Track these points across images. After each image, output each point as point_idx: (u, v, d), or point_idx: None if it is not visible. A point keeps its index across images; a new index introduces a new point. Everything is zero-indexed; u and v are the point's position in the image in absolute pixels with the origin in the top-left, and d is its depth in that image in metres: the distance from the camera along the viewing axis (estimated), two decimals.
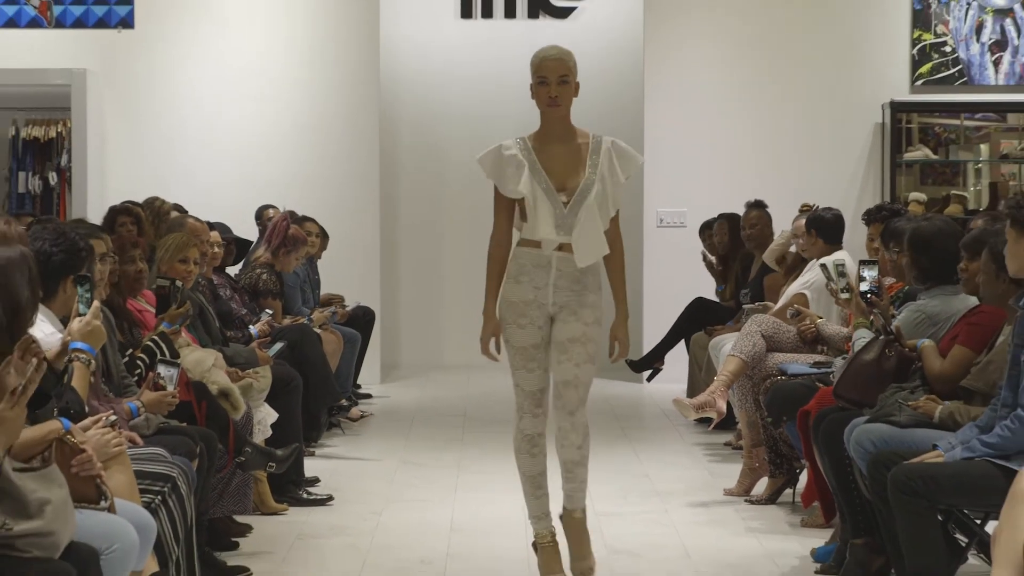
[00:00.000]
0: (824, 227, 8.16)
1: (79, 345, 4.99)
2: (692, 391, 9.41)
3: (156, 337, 6.20)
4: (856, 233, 9.13)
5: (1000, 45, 12.00)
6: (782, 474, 7.45)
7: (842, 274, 6.77)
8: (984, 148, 12.35)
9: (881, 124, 11.99)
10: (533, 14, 13.13)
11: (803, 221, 8.54)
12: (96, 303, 5.14)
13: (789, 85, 12.08)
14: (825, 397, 6.34)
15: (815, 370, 7.23)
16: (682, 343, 10.35)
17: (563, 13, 13.15)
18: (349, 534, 6.86)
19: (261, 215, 10.67)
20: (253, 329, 8.30)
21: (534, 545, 5.81)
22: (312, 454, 8.67)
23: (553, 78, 5.58)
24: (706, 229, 10.77)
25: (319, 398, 8.67)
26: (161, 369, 5.86)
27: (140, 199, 8.83)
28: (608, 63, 12.47)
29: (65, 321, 5.11)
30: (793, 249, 8.90)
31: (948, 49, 12.00)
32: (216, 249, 8.41)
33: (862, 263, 6.75)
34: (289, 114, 12.16)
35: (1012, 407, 4.97)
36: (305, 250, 9.65)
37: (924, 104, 12.08)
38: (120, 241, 6.56)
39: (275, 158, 12.12)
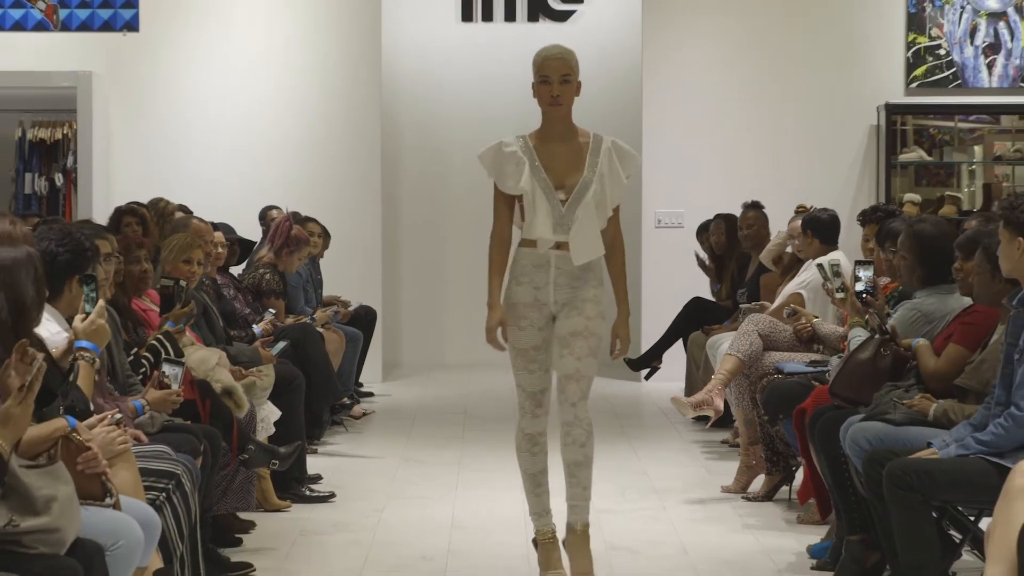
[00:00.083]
0: (820, 228, 8.16)
1: (83, 344, 4.99)
2: (690, 390, 9.41)
3: (161, 336, 6.20)
4: (851, 234, 9.13)
5: (993, 48, 12.00)
6: (778, 471, 7.45)
7: (837, 274, 6.78)
8: (978, 150, 12.35)
9: (876, 126, 12.00)
10: (533, 17, 13.14)
11: (799, 222, 8.54)
12: (101, 302, 5.14)
13: (785, 87, 12.08)
14: (821, 395, 6.34)
15: (811, 369, 7.23)
16: (680, 342, 10.35)
17: (562, 16, 13.15)
18: (351, 531, 6.86)
19: (265, 216, 10.67)
20: (256, 328, 8.30)
21: (534, 541, 5.81)
22: (314, 452, 8.67)
23: (555, 77, 5.57)
24: (703, 231, 10.77)
25: (321, 396, 8.67)
26: (166, 368, 5.86)
27: (145, 200, 8.83)
28: (607, 65, 12.47)
29: (71, 320, 5.11)
30: (789, 250, 8.90)
31: (942, 52, 12.00)
32: (220, 249, 8.41)
33: (857, 263, 6.75)
34: (292, 116, 12.17)
35: (1005, 405, 4.97)
36: (308, 250, 9.65)
37: (919, 106, 12.08)
38: (125, 241, 6.56)
39: (278, 159, 12.12)
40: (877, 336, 6.05)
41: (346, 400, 9.76)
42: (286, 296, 9.25)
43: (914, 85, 12.01)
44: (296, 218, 9.73)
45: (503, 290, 5.68)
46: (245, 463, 6.42)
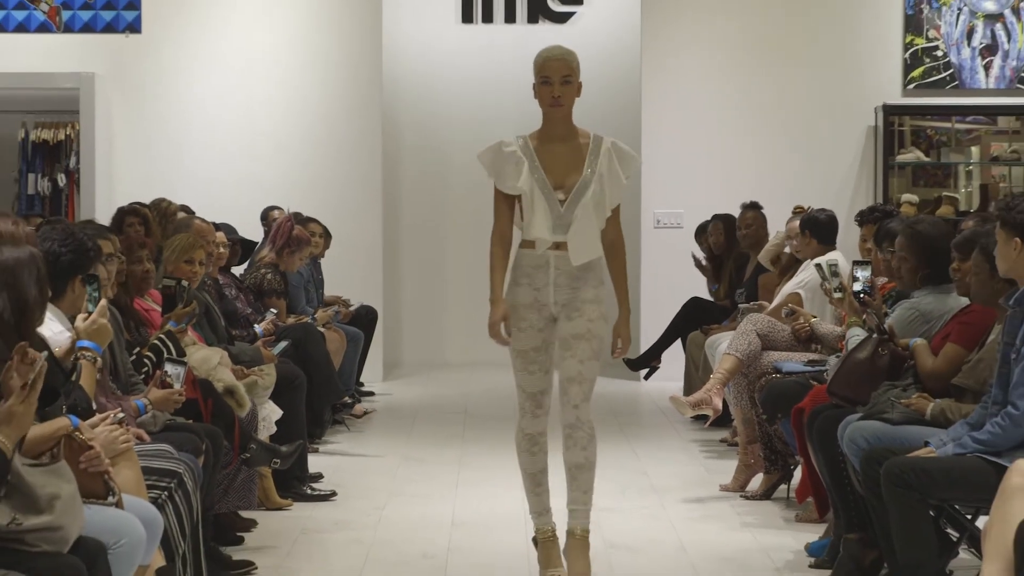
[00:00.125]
0: (818, 228, 8.16)
1: (85, 343, 4.99)
2: (688, 389, 9.41)
3: (163, 336, 6.20)
4: (849, 234, 9.13)
5: (990, 49, 12.00)
6: (777, 470, 7.45)
7: (835, 274, 6.77)
8: (975, 150, 12.35)
9: (874, 127, 11.99)
10: (533, 19, 13.14)
11: (796, 223, 8.54)
12: (103, 302, 5.14)
13: (783, 89, 12.08)
14: (819, 395, 6.34)
15: (809, 368, 7.23)
16: (679, 342, 10.36)
17: (562, 18, 13.15)
18: (352, 529, 6.86)
19: (267, 216, 10.67)
20: (258, 328, 8.30)
21: (534, 540, 5.81)
22: (316, 451, 8.67)
23: (556, 78, 5.55)
24: (702, 232, 10.78)
25: (323, 396, 8.67)
26: (168, 367, 5.86)
27: (147, 200, 8.83)
28: (606, 67, 12.46)
29: (74, 320, 5.11)
30: (787, 250, 8.90)
31: (940, 53, 12.00)
32: (222, 249, 8.41)
33: (855, 263, 6.76)
34: (293, 117, 12.17)
35: (1002, 405, 4.98)
36: (309, 250, 9.65)
37: (916, 107, 12.08)
38: (128, 242, 6.56)
39: (280, 160, 12.12)
40: (875, 336, 6.05)
41: (347, 399, 9.76)
42: (287, 296, 9.25)
43: (911, 86, 12.01)
44: (297, 218, 9.73)
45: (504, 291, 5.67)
46: (247, 462, 6.42)
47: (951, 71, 11.99)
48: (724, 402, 7.73)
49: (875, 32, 12.05)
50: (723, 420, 8.53)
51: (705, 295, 10.60)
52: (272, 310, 8.70)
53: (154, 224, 7.96)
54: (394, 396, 11.35)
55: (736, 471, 7.74)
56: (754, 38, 12.09)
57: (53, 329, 4.99)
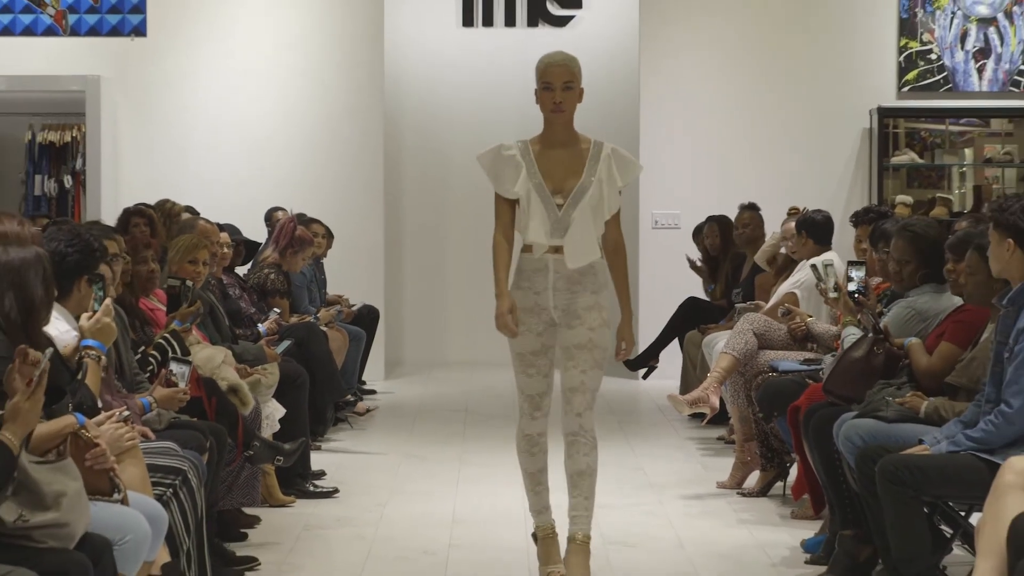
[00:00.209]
0: (814, 228, 8.15)
1: (90, 342, 4.99)
2: (685, 388, 9.40)
3: (168, 335, 6.20)
4: (844, 235, 9.13)
5: (984, 53, 12.00)
6: (773, 467, 7.45)
7: (831, 274, 6.78)
8: (968, 152, 12.35)
9: (869, 129, 11.99)
10: (532, 22, 13.14)
11: (792, 224, 8.55)
12: (107, 301, 5.13)
13: (780, 92, 12.08)
14: (815, 393, 6.34)
15: (805, 367, 7.23)
16: (676, 341, 10.35)
17: (561, 21, 13.14)
18: (354, 525, 6.86)
19: (270, 217, 10.67)
20: (261, 327, 8.30)
21: (534, 535, 5.79)
22: (318, 448, 8.67)
23: (558, 84, 5.51)
24: (699, 233, 10.77)
25: (325, 394, 8.66)
26: (173, 366, 5.86)
27: (152, 201, 8.83)
28: (605, 70, 12.44)
29: (80, 319, 5.11)
30: (783, 251, 8.90)
31: (933, 56, 12.00)
32: (226, 250, 8.41)
33: (850, 263, 6.76)
34: (296, 119, 12.17)
35: (996, 403, 4.98)
36: (311, 251, 9.65)
37: (910, 110, 12.08)
38: (133, 242, 6.56)
39: (283, 161, 12.12)
40: (870, 335, 6.04)
41: (349, 397, 9.76)
42: (290, 295, 9.24)
43: (906, 89, 12.01)
44: (300, 219, 9.72)
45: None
46: (250, 459, 6.42)
47: (945, 74, 11.99)
48: (721, 400, 7.73)
49: (870, 35, 12.05)
50: (720, 418, 8.52)
51: (702, 295, 10.60)
52: (275, 310, 8.70)
53: (159, 225, 7.96)
54: (396, 394, 11.34)
55: (733, 468, 7.74)
56: (751, 42, 12.09)
57: (59, 328, 4.99)
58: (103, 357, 5.05)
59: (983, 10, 11.99)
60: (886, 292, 6.86)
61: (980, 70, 12.00)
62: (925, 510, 5.09)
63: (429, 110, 13.26)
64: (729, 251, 10.24)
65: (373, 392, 11.15)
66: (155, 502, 4.57)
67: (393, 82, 12.74)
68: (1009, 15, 11.98)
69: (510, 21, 13.16)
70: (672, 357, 10.37)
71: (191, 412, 5.93)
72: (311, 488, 7.48)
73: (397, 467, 8.30)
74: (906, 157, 12.06)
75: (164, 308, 6.69)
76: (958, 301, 5.94)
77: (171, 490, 4.91)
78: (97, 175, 11.79)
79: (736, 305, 9.10)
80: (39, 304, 4.19)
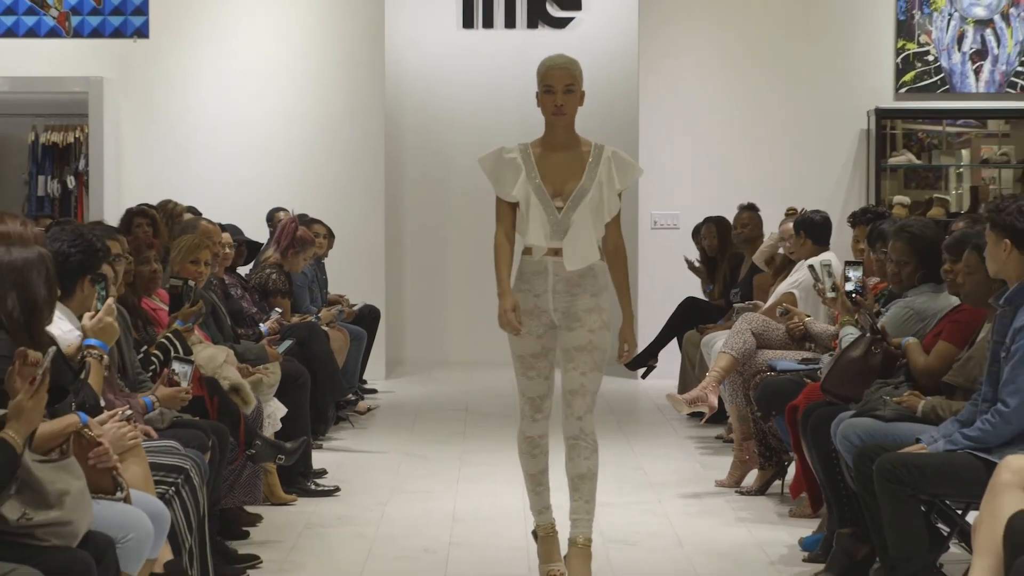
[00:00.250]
0: (813, 229, 8.16)
1: (92, 342, 4.99)
2: (684, 387, 9.40)
3: (170, 334, 6.20)
4: (842, 235, 9.13)
5: (981, 54, 12.00)
6: (771, 466, 7.45)
7: (829, 274, 6.78)
8: (965, 153, 12.35)
9: (866, 130, 11.99)
10: (532, 24, 13.14)
11: (789, 224, 8.55)
12: (109, 300, 5.13)
13: (778, 93, 12.08)
14: (813, 392, 6.34)
15: (803, 366, 7.23)
16: (675, 341, 10.35)
17: (561, 23, 13.15)
18: (355, 524, 6.86)
19: (272, 217, 10.67)
20: (263, 327, 8.30)
21: (534, 533, 5.77)
22: (320, 447, 8.67)
23: (559, 87, 5.48)
24: (698, 232, 10.77)
25: (326, 393, 8.66)
26: (175, 365, 5.86)
27: (155, 202, 8.83)
28: (604, 71, 12.45)
29: (82, 319, 5.12)
30: (781, 251, 8.90)
31: (931, 58, 12.00)
32: (228, 250, 8.40)
33: (847, 264, 6.76)
34: (298, 120, 12.17)
35: (992, 402, 4.97)
36: (313, 251, 9.64)
37: (908, 111, 12.08)
38: (136, 242, 6.56)
39: (284, 162, 12.12)
40: (868, 335, 6.05)
41: (350, 397, 9.76)
42: (292, 295, 9.24)
43: (903, 90, 12.01)
44: (302, 219, 9.72)
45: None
46: (252, 458, 6.42)
47: (942, 75, 11.99)
48: (720, 399, 7.73)
49: (867, 37, 12.05)
50: (719, 417, 8.53)
51: (701, 295, 10.59)
52: (277, 309, 8.70)
53: (161, 225, 7.96)
54: (396, 394, 11.35)
55: (731, 467, 7.74)
56: (750, 44, 12.09)
57: (62, 328, 4.99)
58: (105, 356, 5.05)
59: (980, 12, 11.99)
60: (883, 292, 6.86)
61: (977, 71, 12.00)
62: (922, 508, 5.09)
63: (430, 111, 13.27)
64: (727, 252, 10.25)
65: (374, 391, 11.15)
66: (158, 500, 4.57)
67: (394, 83, 12.75)
68: (1006, 17, 11.98)
69: (510, 23, 13.16)
70: (671, 356, 10.37)
71: (193, 411, 5.93)
72: (312, 487, 7.48)
73: (398, 466, 8.31)
74: (903, 158, 12.07)
75: (166, 308, 6.69)
76: (955, 301, 5.94)
77: (173, 488, 4.91)
78: (100, 176, 11.79)
79: (734, 305, 9.11)
80: (42, 304, 4.19)
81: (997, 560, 4.30)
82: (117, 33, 12.07)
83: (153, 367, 6.01)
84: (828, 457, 5.86)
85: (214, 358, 6.57)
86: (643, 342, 10.79)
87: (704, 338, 9.00)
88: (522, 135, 5.73)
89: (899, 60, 12.00)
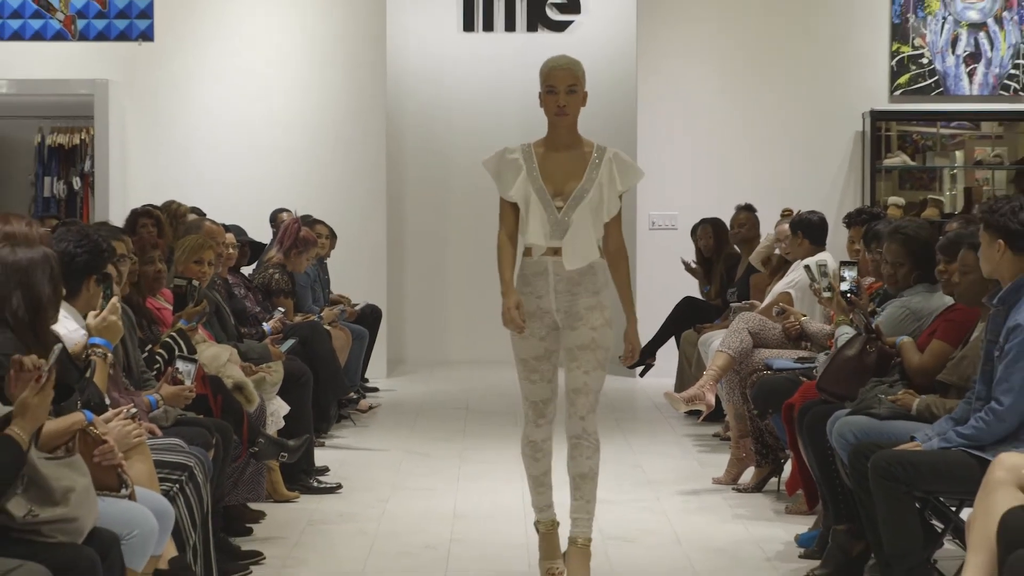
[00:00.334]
0: (810, 229, 8.16)
1: (96, 340, 4.98)
2: (681, 385, 9.40)
3: (174, 334, 6.20)
4: (837, 235, 9.13)
5: (974, 57, 12.00)
6: (768, 464, 7.45)
7: (824, 274, 6.77)
8: (959, 155, 12.35)
9: (861, 132, 11.99)
10: (532, 27, 13.14)
11: (785, 225, 8.55)
12: (114, 300, 5.13)
13: (774, 95, 12.08)
14: (809, 391, 6.34)
15: (799, 365, 7.23)
16: (672, 340, 10.35)
17: (560, 26, 13.14)
18: (357, 520, 6.85)
19: (275, 218, 10.67)
20: (266, 326, 8.30)
21: (536, 524, 5.74)
22: (322, 445, 8.67)
23: (562, 87, 5.46)
24: (695, 232, 10.76)
25: (329, 392, 8.66)
26: (179, 364, 5.85)
27: (159, 202, 8.82)
28: (603, 74, 12.43)
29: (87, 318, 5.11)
30: (777, 251, 8.90)
31: (925, 61, 12.00)
32: (231, 250, 8.40)
33: (842, 264, 6.76)
34: (300, 122, 12.17)
35: (986, 400, 4.97)
36: (315, 251, 9.64)
37: (902, 113, 12.08)
38: (141, 242, 6.55)
39: (287, 164, 12.12)
40: (863, 334, 6.04)
41: (352, 395, 9.75)
42: (295, 295, 9.24)
43: (898, 93, 12.01)
44: (305, 220, 9.72)
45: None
46: (255, 455, 6.41)
47: (936, 78, 11.99)
48: (717, 398, 7.73)
49: (863, 40, 12.04)
50: (716, 415, 8.52)
51: (698, 295, 10.59)
52: (280, 309, 8.69)
53: (166, 225, 7.95)
54: (398, 392, 11.34)
55: (728, 465, 7.73)
56: (747, 46, 12.09)
57: (68, 327, 4.98)
58: (110, 355, 5.04)
59: (974, 15, 11.99)
60: (878, 292, 6.86)
61: (971, 74, 11.99)
62: (917, 505, 5.09)
63: (430, 113, 13.26)
64: (723, 252, 10.25)
65: (375, 390, 11.15)
66: (162, 497, 4.56)
67: (395, 85, 12.75)
68: (999, 20, 11.97)
69: (510, 26, 13.16)
70: (668, 355, 10.37)
71: (197, 409, 5.93)
72: (315, 484, 7.48)
73: (399, 463, 8.30)
74: (898, 159, 12.06)
75: (171, 307, 6.69)
76: (950, 301, 5.94)
77: (177, 486, 4.91)
78: (105, 177, 11.79)
79: (731, 304, 9.10)
80: (46, 303, 4.19)
81: (991, 556, 4.30)
82: (122, 36, 12.06)
83: (157, 366, 6.01)
84: (824, 455, 5.86)
85: (218, 357, 6.56)
86: (641, 341, 10.77)
87: (701, 337, 9.00)
88: (522, 137, 5.72)
89: (894, 63, 12.00)
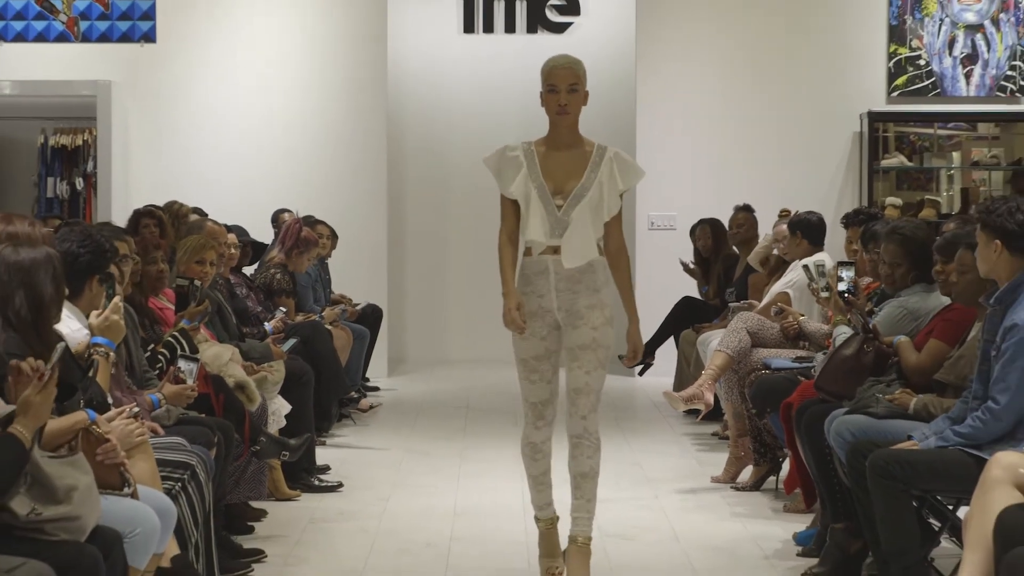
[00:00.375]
0: (809, 229, 8.16)
1: (99, 340, 4.98)
2: (679, 385, 9.40)
3: (176, 333, 6.20)
4: (835, 236, 9.13)
5: (971, 59, 12.00)
6: (766, 462, 7.45)
7: (822, 274, 6.77)
8: (956, 155, 12.35)
9: (859, 133, 11.99)
10: (532, 29, 13.14)
11: (783, 226, 8.55)
12: (116, 299, 5.13)
13: (773, 96, 12.08)
14: (807, 390, 6.34)
15: (797, 364, 7.23)
16: (671, 339, 10.35)
17: (560, 28, 13.14)
18: (358, 519, 6.85)
19: (276, 218, 10.66)
20: (268, 326, 8.30)
21: (536, 521, 5.73)
22: (323, 443, 8.67)
23: (563, 86, 5.44)
24: (694, 233, 10.76)
25: (330, 391, 8.66)
26: (181, 363, 5.86)
27: (161, 203, 8.82)
28: (602, 75, 12.41)
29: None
30: (775, 252, 8.89)
31: (922, 62, 12.00)
32: (233, 250, 8.40)
33: (839, 264, 6.76)
34: (302, 123, 12.17)
35: (983, 399, 4.97)
36: (316, 251, 9.64)
37: (900, 114, 12.08)
38: (143, 243, 6.55)
39: (289, 164, 12.12)
40: (860, 334, 6.04)
41: (353, 394, 9.75)
42: (296, 295, 9.24)
43: (895, 94, 12.01)
44: (306, 221, 9.72)
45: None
46: (257, 454, 6.41)
47: (933, 79, 11.99)
48: (715, 397, 7.73)
49: (860, 42, 12.04)
50: (714, 414, 8.52)
51: (697, 295, 10.59)
52: (281, 309, 8.69)
53: (168, 226, 7.95)
54: (398, 391, 11.34)
55: (727, 463, 7.73)
56: (746, 48, 12.09)
57: (71, 327, 4.98)
58: (112, 354, 5.04)
59: (970, 17, 11.99)
60: (875, 292, 6.86)
61: (968, 75, 11.99)
62: (914, 504, 5.09)
63: (431, 114, 13.27)
64: (721, 252, 10.25)
65: (376, 389, 11.15)
66: (164, 496, 4.56)
67: (396, 87, 12.75)
68: (996, 22, 11.97)
69: (510, 28, 13.17)
70: (667, 355, 10.37)
71: (199, 408, 5.93)
72: (316, 482, 7.48)
73: (400, 462, 8.30)
74: (896, 160, 12.06)
75: (173, 307, 6.69)
76: (947, 300, 5.94)
77: (180, 484, 4.91)
78: (108, 177, 11.79)
79: (730, 304, 9.10)
80: (48, 302, 4.19)
81: (987, 554, 4.30)
82: (125, 38, 12.06)
83: (160, 365, 6.01)
84: (822, 453, 5.86)
85: (220, 356, 6.56)
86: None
87: (700, 337, 9.00)
88: (522, 137, 5.70)
89: (891, 64, 11.99)
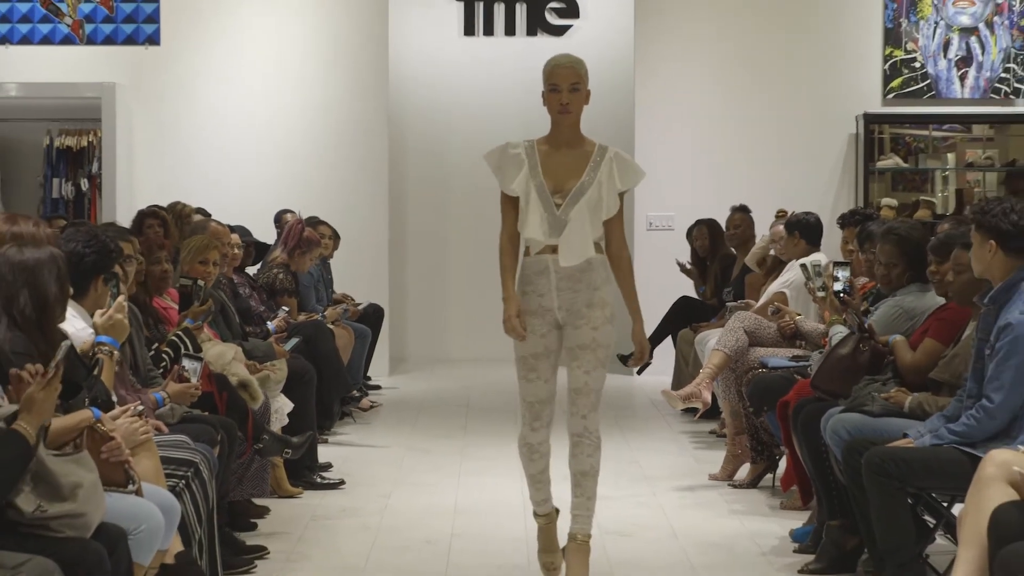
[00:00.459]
0: (807, 230, 8.16)
1: (103, 339, 4.98)
2: (677, 383, 9.40)
3: (180, 332, 6.20)
4: (831, 236, 9.12)
5: (966, 61, 11.99)
6: (763, 460, 7.44)
7: (819, 274, 6.77)
8: (951, 157, 12.35)
9: (855, 134, 11.99)
10: (532, 31, 13.14)
11: (780, 226, 8.55)
12: (120, 298, 5.13)
13: (769, 98, 12.07)
14: (803, 389, 6.34)
15: (794, 363, 7.23)
16: (669, 339, 10.34)
17: (559, 31, 13.14)
18: (360, 516, 6.85)
19: (279, 219, 10.66)
20: (270, 325, 8.29)
21: (535, 516, 5.72)
22: (325, 441, 8.66)
23: (565, 85, 5.41)
24: (691, 233, 10.75)
25: (332, 389, 8.66)
26: (185, 362, 5.85)
27: (165, 203, 8.82)
28: (601, 77, 12.31)
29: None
30: (772, 252, 8.90)
31: (917, 65, 11.99)
32: (236, 250, 8.39)
33: (835, 264, 6.76)
34: (304, 125, 12.17)
35: (977, 398, 4.97)
36: (319, 251, 9.64)
37: (895, 116, 12.07)
38: (147, 243, 6.56)
39: (291, 165, 12.11)
40: (856, 333, 6.04)
41: (355, 393, 9.74)
42: (298, 295, 9.24)
43: (891, 96, 12.00)
44: (308, 221, 9.72)
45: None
46: (260, 452, 6.41)
47: (928, 81, 11.99)
48: (713, 395, 7.73)
49: (856, 45, 12.04)
50: (712, 413, 8.53)
51: (694, 295, 10.59)
52: (284, 308, 8.69)
53: (172, 226, 7.95)
54: (400, 390, 11.34)
55: (724, 461, 7.73)
56: (743, 50, 12.09)
57: (76, 326, 4.98)
58: (116, 352, 5.04)
59: (965, 20, 11.99)
60: (871, 291, 6.86)
61: (962, 78, 11.99)
62: (909, 501, 5.09)
63: (432, 116, 13.26)
64: (718, 253, 10.24)
65: (378, 388, 11.14)
66: (168, 493, 4.56)
67: (397, 89, 12.75)
68: (990, 25, 11.97)
69: (510, 30, 13.17)
70: (665, 354, 10.37)
71: (203, 407, 5.93)
72: (318, 480, 7.48)
73: (401, 460, 8.30)
74: (891, 161, 12.06)
75: (177, 307, 6.69)
76: (942, 300, 5.94)
77: (183, 482, 4.91)
78: (112, 178, 11.79)
79: (727, 304, 9.10)
80: (53, 302, 4.19)
81: (982, 551, 4.31)
82: (129, 40, 12.06)
83: (164, 364, 6.01)
84: (818, 451, 5.86)
85: (223, 355, 6.56)
86: None
87: (698, 336, 9.00)
88: (522, 138, 5.69)
89: (887, 67, 11.99)
